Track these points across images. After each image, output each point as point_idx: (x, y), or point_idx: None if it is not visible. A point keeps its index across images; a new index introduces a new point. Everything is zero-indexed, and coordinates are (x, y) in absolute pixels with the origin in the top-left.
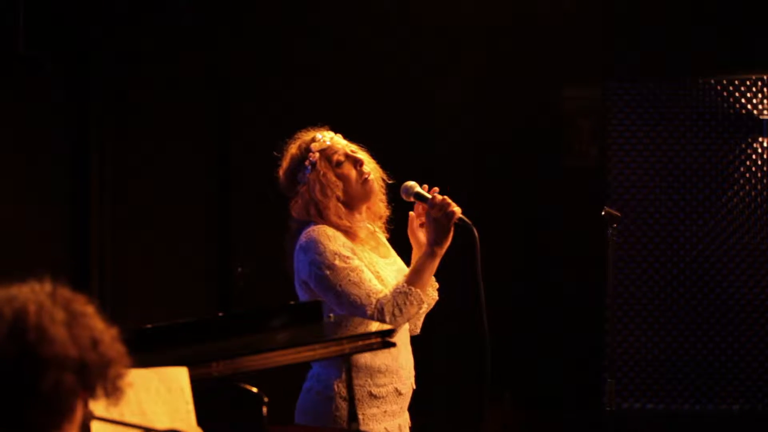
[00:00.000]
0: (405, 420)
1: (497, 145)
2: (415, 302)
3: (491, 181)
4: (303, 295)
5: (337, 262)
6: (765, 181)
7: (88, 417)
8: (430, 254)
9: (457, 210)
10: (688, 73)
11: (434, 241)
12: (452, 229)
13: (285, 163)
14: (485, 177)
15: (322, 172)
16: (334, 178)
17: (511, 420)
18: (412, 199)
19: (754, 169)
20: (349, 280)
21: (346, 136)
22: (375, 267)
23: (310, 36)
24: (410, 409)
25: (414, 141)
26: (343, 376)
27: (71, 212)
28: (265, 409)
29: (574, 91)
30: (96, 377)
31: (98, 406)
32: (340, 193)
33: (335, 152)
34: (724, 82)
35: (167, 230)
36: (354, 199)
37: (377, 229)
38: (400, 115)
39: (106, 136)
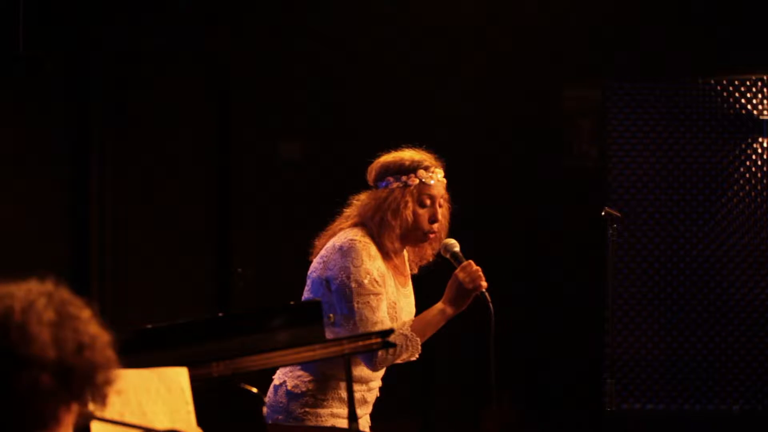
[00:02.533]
0: (365, 421)
1: (497, 145)
2: (410, 349)
3: (491, 181)
4: (314, 288)
5: (366, 281)
6: (765, 181)
7: (88, 417)
8: (442, 312)
9: (484, 284)
10: (688, 73)
11: (451, 302)
12: (472, 298)
13: (389, 160)
14: (485, 177)
15: (405, 200)
16: (409, 213)
17: (511, 420)
18: (448, 256)
19: (754, 169)
20: (368, 302)
21: (346, 136)
22: (395, 296)
23: (310, 36)
24: (410, 408)
25: (414, 141)
26: (312, 375)
27: (71, 212)
28: (265, 409)
29: (574, 91)
30: (81, 382)
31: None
32: (405, 227)
33: (428, 195)
34: (724, 82)
35: (167, 231)
36: (409, 239)
37: (407, 262)
38: (400, 115)
39: (106, 136)
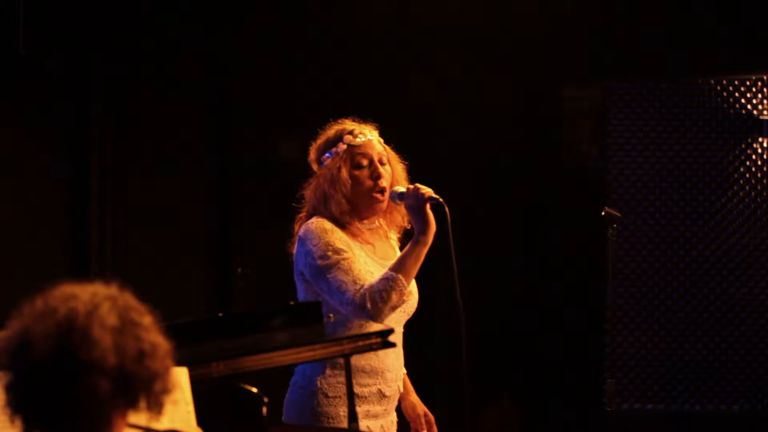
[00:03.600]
0: (389, 422)
1: (497, 144)
2: (397, 288)
3: (491, 181)
4: (300, 287)
5: (329, 253)
6: (765, 181)
7: None
8: (416, 242)
9: (426, 191)
10: (688, 73)
11: (418, 230)
12: (429, 212)
13: (319, 141)
14: (485, 177)
15: (338, 166)
16: (345, 176)
17: (511, 420)
18: (399, 202)
19: (754, 169)
20: (339, 267)
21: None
22: (367, 266)
23: (310, 36)
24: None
25: (414, 141)
26: (327, 371)
27: (71, 212)
28: (265, 409)
29: (574, 91)
30: (139, 389)
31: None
32: (346, 192)
33: (362, 154)
34: (724, 82)
35: (167, 230)
36: (357, 205)
37: (392, 236)
38: (400, 115)
39: (106, 136)
